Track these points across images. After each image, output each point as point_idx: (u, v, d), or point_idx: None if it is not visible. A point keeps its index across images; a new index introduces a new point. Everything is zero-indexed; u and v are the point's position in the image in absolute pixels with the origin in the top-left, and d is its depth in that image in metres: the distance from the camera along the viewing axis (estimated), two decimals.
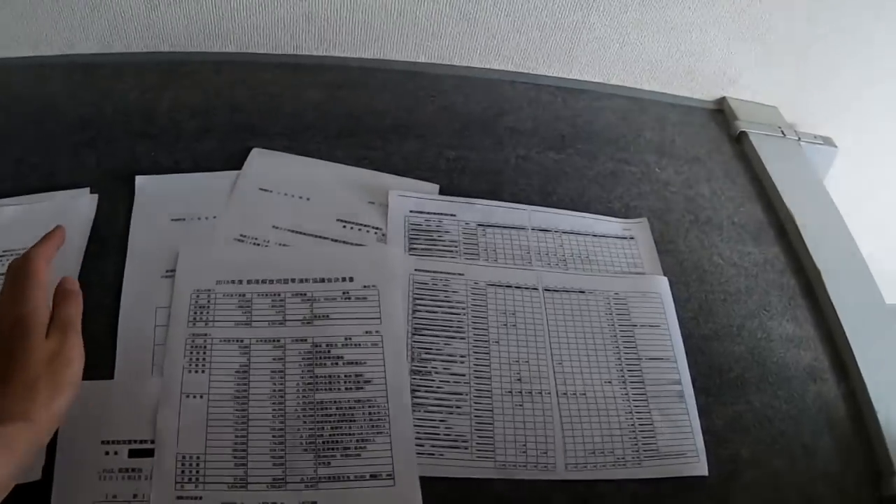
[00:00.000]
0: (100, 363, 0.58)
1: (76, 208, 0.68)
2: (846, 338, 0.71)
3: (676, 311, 0.70)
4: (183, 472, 0.55)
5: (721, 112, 0.95)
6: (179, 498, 0.54)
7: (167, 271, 0.65)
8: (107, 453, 0.55)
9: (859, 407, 0.67)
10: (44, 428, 0.45)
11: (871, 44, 0.89)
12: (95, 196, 0.69)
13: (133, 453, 0.55)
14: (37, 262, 0.52)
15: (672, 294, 0.71)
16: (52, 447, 0.54)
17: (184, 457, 0.56)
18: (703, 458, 0.61)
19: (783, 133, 0.92)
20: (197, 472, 0.55)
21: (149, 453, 0.55)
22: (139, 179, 0.71)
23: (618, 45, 0.89)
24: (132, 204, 0.69)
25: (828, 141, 0.94)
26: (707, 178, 0.84)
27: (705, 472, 0.61)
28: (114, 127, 0.76)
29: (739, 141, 0.91)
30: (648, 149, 0.86)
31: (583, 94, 0.91)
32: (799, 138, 0.92)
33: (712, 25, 0.87)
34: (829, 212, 0.84)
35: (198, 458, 0.56)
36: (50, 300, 0.51)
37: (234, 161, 0.74)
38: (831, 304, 0.73)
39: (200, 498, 0.54)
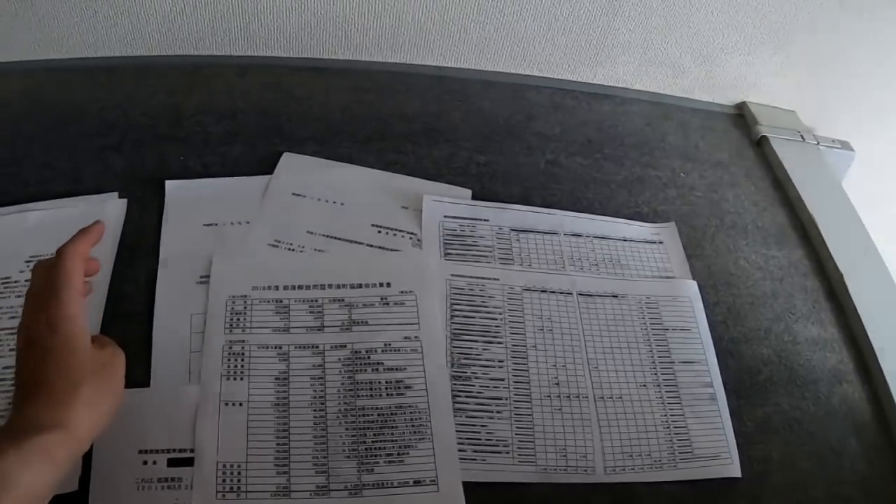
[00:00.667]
0: (135, 371, 0.56)
1: (105, 213, 0.67)
2: (869, 340, 0.71)
3: (706, 314, 0.70)
4: (224, 480, 0.54)
5: (741, 116, 0.96)
6: None
7: (201, 277, 0.64)
8: (145, 462, 0.55)
9: (883, 408, 0.68)
10: (84, 437, 0.43)
11: (887, 48, 0.90)
12: (124, 201, 0.69)
13: (172, 462, 0.55)
14: (71, 262, 0.47)
15: (701, 297, 0.71)
16: (88, 457, 0.53)
17: (224, 465, 0.55)
18: (737, 459, 0.62)
19: (802, 137, 0.92)
20: (238, 480, 0.55)
21: (188, 462, 0.55)
22: (170, 184, 0.70)
23: (641, 50, 0.89)
24: (162, 208, 0.68)
25: (845, 145, 0.95)
26: (731, 183, 0.85)
27: (738, 474, 0.61)
28: (140, 130, 0.76)
29: (760, 145, 0.91)
30: (673, 153, 0.86)
31: (607, 98, 0.91)
32: (818, 142, 0.93)
33: (734, 31, 0.87)
34: (849, 215, 0.85)
35: (239, 466, 0.55)
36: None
37: (264, 165, 0.73)
38: (854, 306, 0.74)
39: None
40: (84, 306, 0.48)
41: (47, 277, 0.47)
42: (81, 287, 0.48)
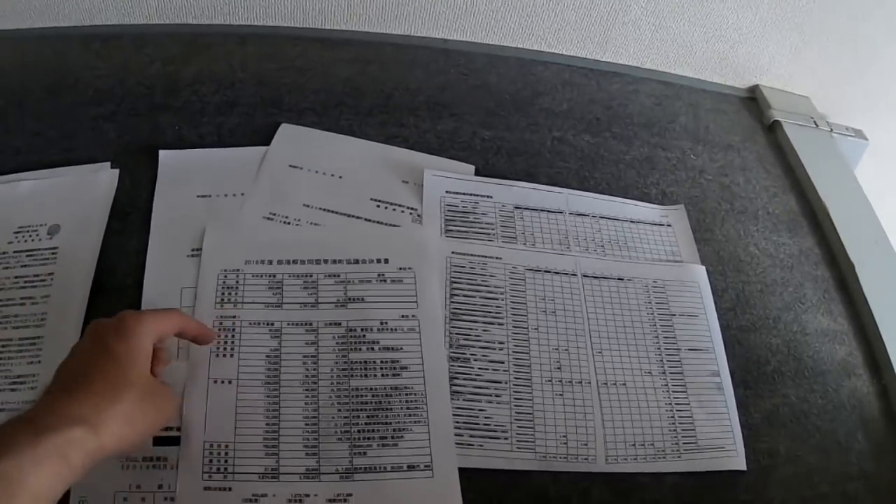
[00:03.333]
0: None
1: (96, 183, 0.66)
2: (879, 333, 0.69)
3: (714, 300, 0.68)
4: (211, 461, 0.53)
5: (754, 100, 0.94)
6: (207, 489, 0.52)
7: (193, 250, 0.62)
8: None
9: (892, 403, 0.66)
10: (107, 446, 0.42)
11: None
12: (116, 171, 0.67)
13: (158, 441, 0.53)
14: (172, 311, 0.52)
15: (709, 283, 0.69)
16: None
17: (211, 445, 0.53)
18: (742, 452, 0.60)
19: (816, 124, 0.90)
20: (226, 461, 0.53)
21: (174, 441, 0.53)
22: (163, 154, 0.68)
23: (653, 28, 0.87)
24: (155, 179, 0.67)
25: (859, 133, 0.93)
26: (741, 167, 0.82)
27: (743, 467, 0.59)
28: (135, 100, 0.74)
29: (772, 130, 0.89)
30: (683, 135, 0.84)
31: (616, 77, 0.89)
32: (831, 129, 0.90)
33: (748, 11, 0.84)
34: (862, 205, 0.83)
35: (226, 446, 0.53)
36: None
37: (261, 137, 0.71)
38: (865, 297, 0.72)
39: (230, 489, 0.52)
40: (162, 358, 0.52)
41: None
42: (163, 329, 0.50)
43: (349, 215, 0.67)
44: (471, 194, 0.70)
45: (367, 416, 0.56)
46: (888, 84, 0.94)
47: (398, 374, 0.58)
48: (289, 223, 0.65)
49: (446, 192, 0.70)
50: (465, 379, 0.59)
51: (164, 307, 0.55)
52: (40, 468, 0.38)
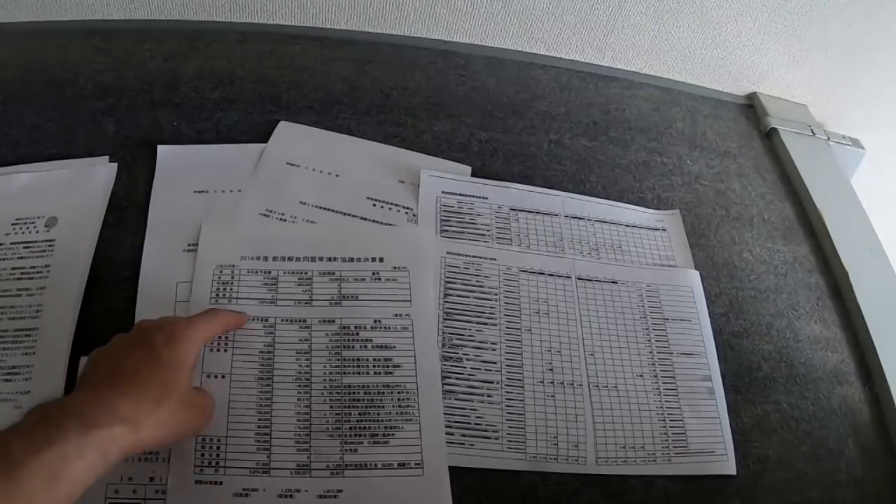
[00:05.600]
0: None
1: (94, 176, 0.66)
2: (872, 341, 0.70)
3: (707, 306, 0.68)
4: (202, 455, 0.53)
5: (751, 107, 0.94)
6: (198, 482, 0.52)
7: (189, 245, 0.63)
8: None
9: (883, 412, 0.66)
10: (142, 445, 0.44)
11: None
12: (114, 165, 0.67)
13: None
14: (218, 313, 0.55)
15: (703, 289, 0.69)
16: None
17: (203, 439, 0.53)
18: (732, 457, 0.60)
19: (812, 132, 0.90)
20: (217, 455, 0.53)
21: None
22: (161, 149, 0.68)
23: (652, 33, 0.87)
24: (153, 174, 0.67)
25: (855, 142, 0.93)
26: (738, 174, 0.83)
27: (733, 472, 0.59)
28: (134, 95, 0.74)
29: (769, 137, 0.90)
30: (680, 140, 0.84)
31: (615, 81, 0.89)
32: (828, 138, 0.91)
33: (748, 19, 0.85)
34: (857, 213, 0.83)
35: (218, 441, 0.54)
36: None
37: (259, 134, 0.72)
38: (858, 305, 0.72)
39: (221, 483, 0.52)
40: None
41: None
42: (211, 334, 0.54)
43: (345, 213, 0.67)
44: (467, 195, 0.70)
45: (359, 414, 0.56)
46: (886, 93, 0.94)
47: (390, 373, 0.58)
48: (285, 220, 0.65)
49: (442, 192, 0.70)
50: (457, 378, 0.59)
51: (201, 308, 0.58)
52: (83, 460, 0.40)
